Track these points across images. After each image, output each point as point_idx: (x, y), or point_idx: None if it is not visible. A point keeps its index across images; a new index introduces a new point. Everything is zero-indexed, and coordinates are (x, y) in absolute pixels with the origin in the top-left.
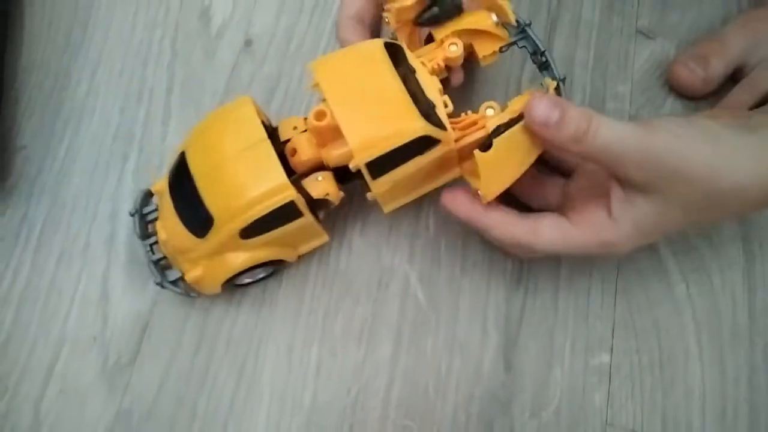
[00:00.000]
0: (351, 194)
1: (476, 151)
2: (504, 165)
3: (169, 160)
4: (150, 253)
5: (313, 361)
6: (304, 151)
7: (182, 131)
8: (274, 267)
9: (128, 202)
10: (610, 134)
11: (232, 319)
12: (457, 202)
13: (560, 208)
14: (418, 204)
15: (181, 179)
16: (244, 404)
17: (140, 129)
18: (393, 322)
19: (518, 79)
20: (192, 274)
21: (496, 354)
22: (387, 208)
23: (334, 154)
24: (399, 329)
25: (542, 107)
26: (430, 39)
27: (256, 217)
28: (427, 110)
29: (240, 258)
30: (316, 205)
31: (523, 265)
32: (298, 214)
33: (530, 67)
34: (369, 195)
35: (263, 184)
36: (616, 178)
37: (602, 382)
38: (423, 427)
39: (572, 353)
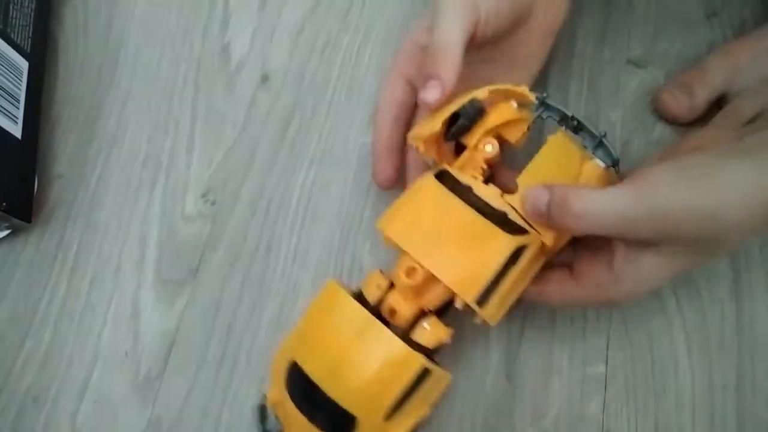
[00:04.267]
0: (361, 214)
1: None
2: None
3: (272, 373)
4: None
5: None
6: (404, 308)
7: (205, 159)
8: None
9: (156, 226)
10: (597, 211)
11: (252, 335)
12: None
13: (570, 263)
14: None
15: (305, 389)
16: None
17: (167, 158)
18: None
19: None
20: None
21: (498, 367)
22: (494, 321)
23: (435, 300)
24: None
25: (530, 199)
26: (459, 145)
27: (398, 397)
28: (501, 221)
29: None
30: (432, 353)
31: None
32: (427, 373)
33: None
34: (477, 320)
35: (391, 364)
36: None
37: (598, 390)
38: None
39: (570, 365)
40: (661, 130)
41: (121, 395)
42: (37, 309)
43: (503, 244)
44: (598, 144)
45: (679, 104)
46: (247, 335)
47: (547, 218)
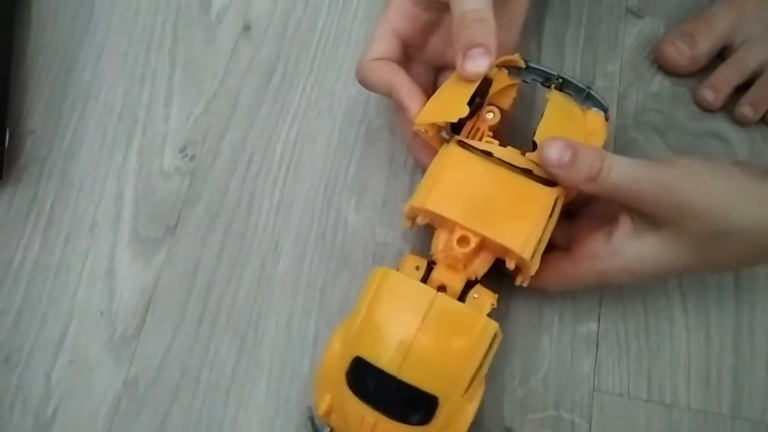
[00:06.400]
0: (346, 169)
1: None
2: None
3: (319, 383)
4: None
5: (311, 332)
6: (455, 281)
7: (184, 113)
8: None
9: (132, 182)
10: (625, 171)
11: (233, 293)
12: None
13: (566, 247)
14: (412, 180)
15: (376, 383)
16: (246, 373)
17: (143, 111)
18: None
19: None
20: None
21: None
22: (527, 282)
23: (483, 267)
24: None
25: (554, 149)
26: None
27: (476, 367)
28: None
29: (468, 411)
30: None
31: None
32: (495, 339)
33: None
34: (519, 280)
35: (468, 335)
36: (629, 213)
37: (590, 349)
38: None
39: (560, 323)
40: (660, 81)
41: (97, 355)
42: (9, 267)
43: (546, 196)
44: (587, 96)
45: (681, 54)
46: (227, 293)
47: (567, 171)
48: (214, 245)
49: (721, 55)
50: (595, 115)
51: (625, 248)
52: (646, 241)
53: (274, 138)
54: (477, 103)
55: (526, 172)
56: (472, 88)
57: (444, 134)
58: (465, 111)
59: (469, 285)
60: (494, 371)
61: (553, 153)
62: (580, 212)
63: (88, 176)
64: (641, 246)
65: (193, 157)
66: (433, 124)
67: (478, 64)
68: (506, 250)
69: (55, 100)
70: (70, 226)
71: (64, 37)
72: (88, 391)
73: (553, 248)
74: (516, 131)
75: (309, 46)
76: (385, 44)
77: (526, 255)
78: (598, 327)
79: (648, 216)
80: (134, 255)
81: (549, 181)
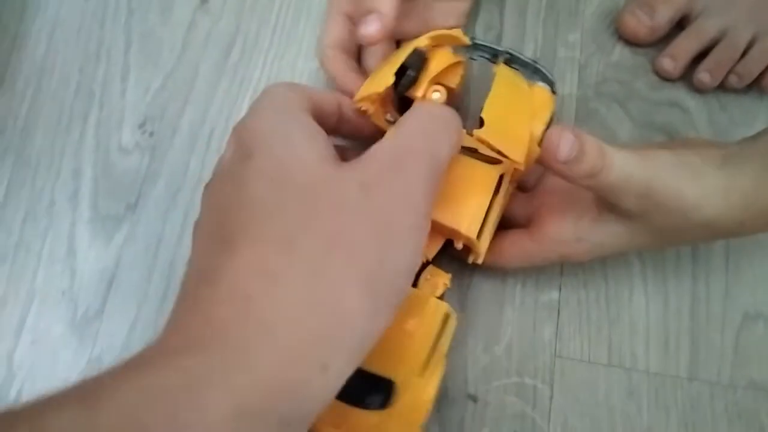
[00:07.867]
0: None
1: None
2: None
3: None
4: None
5: None
6: None
7: (141, 88)
8: None
9: (91, 159)
10: (621, 169)
11: None
12: None
13: (526, 222)
14: None
15: None
16: None
17: (100, 87)
18: None
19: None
20: None
21: (451, 295)
22: (482, 258)
23: (433, 248)
24: None
25: (566, 143)
26: (402, 102)
27: (428, 348)
28: (475, 156)
29: (429, 390)
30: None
31: None
32: (448, 318)
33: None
34: (471, 257)
35: (418, 317)
36: (595, 201)
37: (551, 316)
38: None
39: (523, 292)
40: (620, 52)
41: (60, 335)
42: None
43: (488, 174)
44: (534, 70)
45: (641, 24)
46: None
47: (575, 168)
48: (176, 222)
49: (681, 24)
50: (541, 90)
51: (591, 235)
52: (612, 229)
53: (234, 113)
54: (411, 76)
55: (471, 151)
56: (399, 60)
57: (389, 117)
58: (390, 80)
59: (422, 267)
60: (458, 341)
61: (565, 147)
62: (538, 186)
63: (45, 154)
64: (607, 233)
65: (152, 133)
66: (374, 102)
67: (368, 28)
68: (453, 231)
69: (8, 78)
70: (27, 205)
71: (16, 15)
72: (52, 372)
73: (511, 224)
74: (468, 110)
75: (268, 19)
76: (336, 27)
77: (472, 234)
78: (560, 295)
79: (625, 210)
80: (94, 233)
81: (493, 159)
